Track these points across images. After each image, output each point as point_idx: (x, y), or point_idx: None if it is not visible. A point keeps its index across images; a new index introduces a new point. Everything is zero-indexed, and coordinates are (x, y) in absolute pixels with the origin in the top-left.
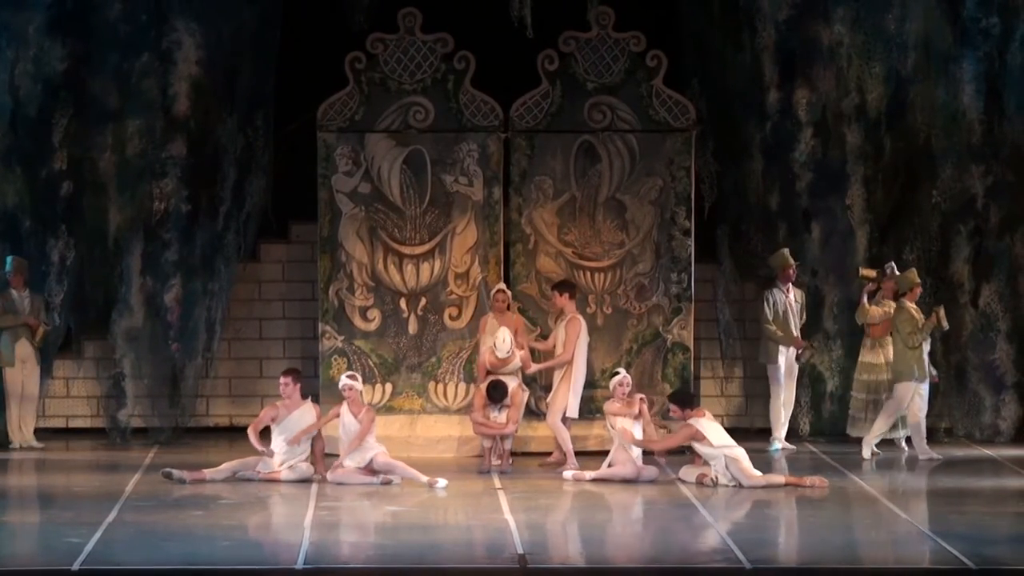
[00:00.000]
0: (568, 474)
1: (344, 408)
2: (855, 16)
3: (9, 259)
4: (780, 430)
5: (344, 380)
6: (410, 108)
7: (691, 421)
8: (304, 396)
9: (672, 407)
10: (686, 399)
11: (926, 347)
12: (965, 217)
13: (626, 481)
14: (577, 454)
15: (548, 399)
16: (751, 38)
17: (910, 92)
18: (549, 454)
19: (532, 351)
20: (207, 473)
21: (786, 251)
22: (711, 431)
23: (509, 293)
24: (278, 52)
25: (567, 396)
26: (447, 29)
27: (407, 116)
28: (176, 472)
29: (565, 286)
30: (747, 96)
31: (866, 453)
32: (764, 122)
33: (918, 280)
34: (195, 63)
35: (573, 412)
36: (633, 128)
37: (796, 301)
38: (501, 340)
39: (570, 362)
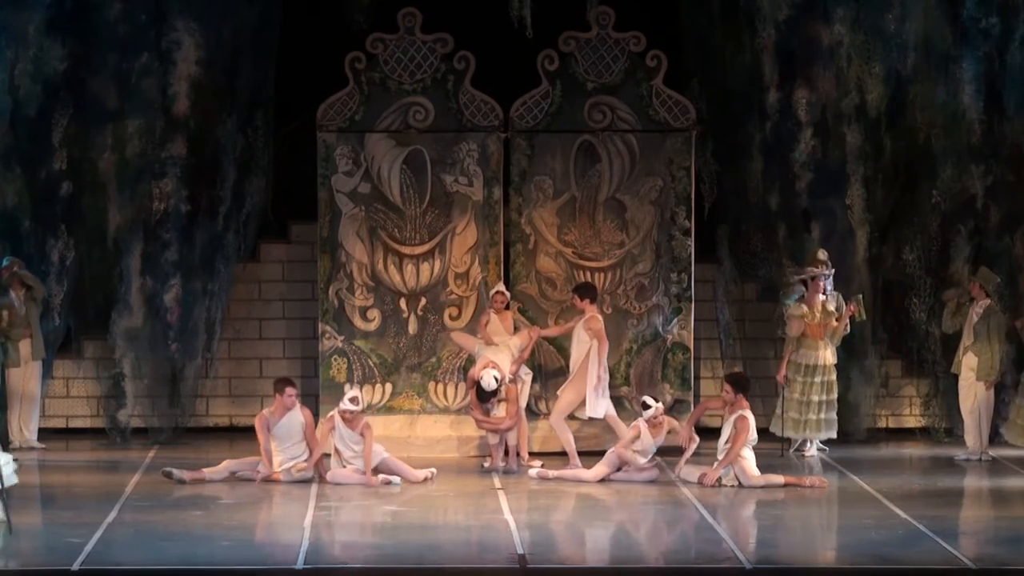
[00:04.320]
0: (532, 472)
1: (338, 420)
2: (855, 16)
3: (5, 260)
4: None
5: (346, 405)
6: (410, 108)
7: (745, 413)
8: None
9: (727, 387)
10: (744, 383)
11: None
12: (965, 217)
13: (583, 481)
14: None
15: (559, 392)
16: (751, 38)
17: (910, 92)
18: (550, 454)
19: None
20: (206, 473)
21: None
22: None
23: (508, 294)
24: (278, 52)
25: (571, 397)
26: (447, 29)
27: (407, 116)
28: (176, 471)
29: (586, 291)
30: (747, 96)
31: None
32: (764, 122)
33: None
34: (195, 63)
35: (595, 412)
36: (633, 128)
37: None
38: (489, 378)
39: (583, 364)
